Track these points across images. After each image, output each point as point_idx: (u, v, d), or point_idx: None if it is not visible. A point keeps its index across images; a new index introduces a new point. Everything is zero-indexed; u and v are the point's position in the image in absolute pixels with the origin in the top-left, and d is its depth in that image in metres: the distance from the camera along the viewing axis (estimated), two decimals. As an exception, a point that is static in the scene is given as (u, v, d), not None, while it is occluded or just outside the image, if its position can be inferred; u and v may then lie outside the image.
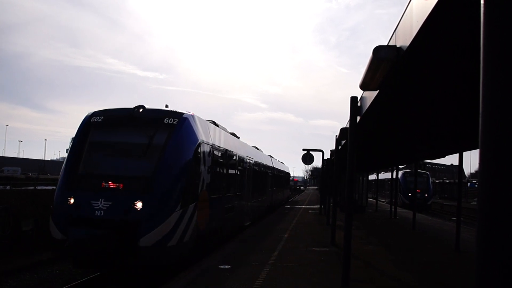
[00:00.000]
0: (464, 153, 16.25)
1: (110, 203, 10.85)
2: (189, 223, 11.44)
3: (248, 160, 21.22)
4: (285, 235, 18.02)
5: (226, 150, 16.23)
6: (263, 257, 12.85)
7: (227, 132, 18.15)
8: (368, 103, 8.77)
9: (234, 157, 17.94)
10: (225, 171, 16.08)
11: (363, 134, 13.38)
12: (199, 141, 12.43)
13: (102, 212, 10.77)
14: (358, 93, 9.17)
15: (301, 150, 28.95)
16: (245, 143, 22.65)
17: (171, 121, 12.01)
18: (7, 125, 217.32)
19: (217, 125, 16.21)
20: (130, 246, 10.47)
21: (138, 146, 11.95)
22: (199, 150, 12.36)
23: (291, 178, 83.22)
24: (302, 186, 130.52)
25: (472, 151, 17.14)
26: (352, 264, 8.98)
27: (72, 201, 11.14)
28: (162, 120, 12.04)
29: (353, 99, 8.94)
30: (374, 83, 6.86)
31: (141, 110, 12.36)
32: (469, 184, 70.62)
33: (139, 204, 10.71)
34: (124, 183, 11.28)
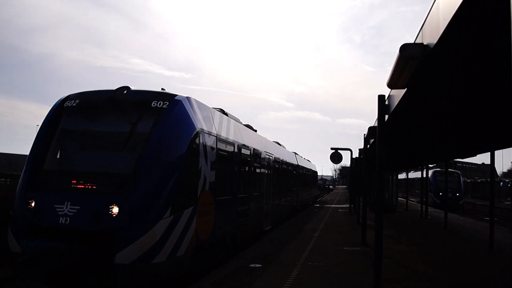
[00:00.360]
0: (495, 152, 15.97)
1: (78, 207, 8.70)
2: (184, 232, 9.33)
3: (267, 156, 18.91)
4: (315, 235, 18.01)
5: (238, 143, 13.83)
6: (293, 256, 12.88)
7: (240, 122, 15.79)
8: (396, 101, 8.73)
9: (249, 152, 15.52)
10: (237, 168, 13.76)
11: (392, 133, 13.29)
12: (197, 129, 10.10)
13: (68, 219, 8.64)
14: (385, 91, 9.14)
15: (329, 149, 28.86)
16: (264, 137, 20.38)
17: (160, 104, 9.82)
18: (37, 125, 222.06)
19: (226, 114, 13.90)
20: (104, 264, 8.36)
21: (119, 136, 9.81)
22: (197, 141, 10.08)
23: (319, 177, 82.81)
24: (331, 185, 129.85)
25: (504, 149, 16.80)
26: (383, 264, 8.94)
27: (33, 204, 9.07)
28: (149, 103, 9.84)
29: (381, 98, 8.91)
30: (401, 81, 6.85)
31: (125, 92, 10.17)
32: (501, 183, 69.24)
33: (115, 209, 8.56)
34: (99, 182, 9.20)
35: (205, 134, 10.64)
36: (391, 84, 7.12)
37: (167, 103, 9.83)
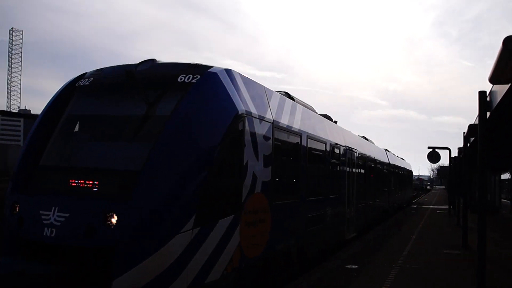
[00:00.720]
0: None
1: (66, 215, 6.55)
2: (219, 250, 7.14)
3: (350, 152, 16.41)
4: (413, 236, 17.57)
5: (307, 133, 11.36)
6: (390, 258, 12.67)
7: (313, 110, 13.42)
8: (499, 97, 8.32)
9: (324, 146, 13.05)
10: (305, 165, 11.30)
11: (495, 130, 12.66)
12: (241, 112, 7.73)
13: (54, 230, 6.50)
14: (486, 87, 8.75)
15: (426, 148, 27.86)
16: (346, 130, 17.63)
17: (188, 79, 7.50)
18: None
19: (292, 98, 11.60)
20: None
21: (133, 121, 7.62)
22: (240, 127, 7.75)
23: (416, 177, 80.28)
24: (428, 185, 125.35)
25: None
26: (487, 269, 8.55)
27: (17, 209, 7.16)
28: (175, 78, 7.58)
29: (482, 94, 8.53)
30: (505, 76, 6.54)
31: (149, 65, 8.09)
32: None
33: (113, 219, 6.32)
34: (97, 181, 6.97)
35: (254, 118, 8.31)
36: (494, 79, 6.82)
37: (198, 76, 7.53)
